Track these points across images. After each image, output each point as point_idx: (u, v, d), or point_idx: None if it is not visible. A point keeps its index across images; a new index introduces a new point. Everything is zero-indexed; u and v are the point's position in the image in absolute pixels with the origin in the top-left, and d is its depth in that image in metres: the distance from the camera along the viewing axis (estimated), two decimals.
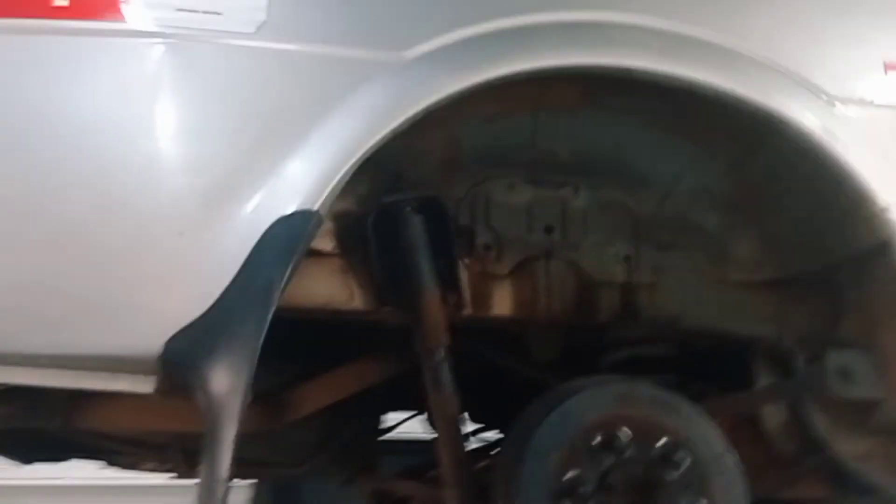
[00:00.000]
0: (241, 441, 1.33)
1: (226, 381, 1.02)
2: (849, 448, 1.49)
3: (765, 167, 1.45)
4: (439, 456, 1.34)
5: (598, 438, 1.17)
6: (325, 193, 1.10)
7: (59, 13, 1.11)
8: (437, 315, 1.37)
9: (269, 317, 1.04)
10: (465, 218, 1.52)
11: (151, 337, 1.05)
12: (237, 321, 1.03)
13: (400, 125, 1.13)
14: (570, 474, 1.14)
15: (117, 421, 1.47)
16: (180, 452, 1.65)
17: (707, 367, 1.63)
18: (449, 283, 1.45)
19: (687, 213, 1.58)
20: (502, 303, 1.52)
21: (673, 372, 1.54)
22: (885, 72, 1.30)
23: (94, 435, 1.62)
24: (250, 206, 1.08)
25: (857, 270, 1.44)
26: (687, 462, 1.18)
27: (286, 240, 1.07)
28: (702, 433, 1.21)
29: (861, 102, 1.28)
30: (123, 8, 1.11)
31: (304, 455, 1.76)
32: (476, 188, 1.54)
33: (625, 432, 1.17)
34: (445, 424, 1.34)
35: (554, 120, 1.47)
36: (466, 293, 1.49)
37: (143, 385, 1.10)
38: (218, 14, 1.13)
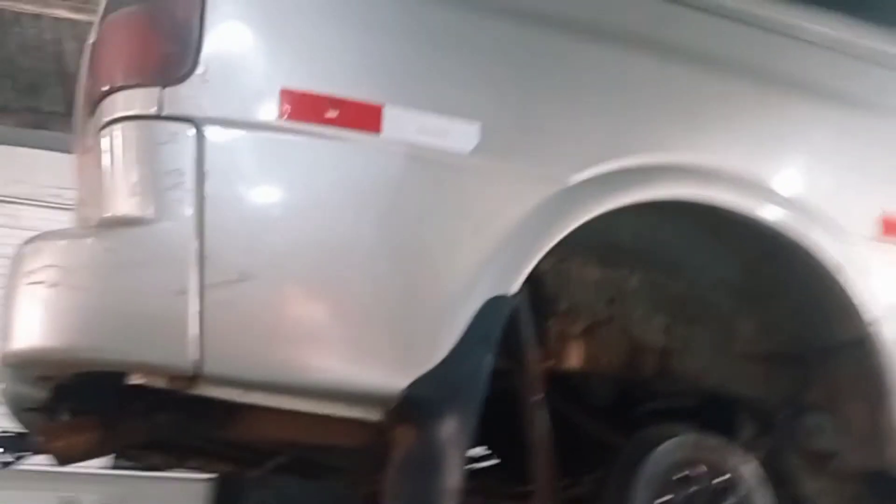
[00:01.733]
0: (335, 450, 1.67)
1: (456, 423, 1.38)
2: (811, 485, 2.01)
3: (775, 272, 1.94)
4: (535, 478, 1.73)
5: (684, 473, 1.62)
6: (520, 280, 1.48)
7: (331, 122, 1.43)
8: (537, 367, 1.76)
9: (488, 373, 1.41)
10: (550, 288, 1.93)
11: (395, 379, 1.39)
12: (468, 376, 1.40)
13: (569, 232, 1.53)
14: (665, 498, 1.58)
15: (263, 431, 1.76)
16: (290, 457, 1.96)
17: (704, 418, 2.11)
18: (539, 339, 1.85)
19: (708, 296, 2.05)
20: (575, 357, 1.94)
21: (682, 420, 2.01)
22: (880, 219, 1.82)
23: (221, 442, 1.90)
24: (468, 290, 1.44)
25: (828, 354, 1.96)
26: (741, 491, 1.65)
27: (494, 317, 1.44)
28: (748, 470, 1.69)
29: (861, 243, 1.79)
30: (382, 123, 1.45)
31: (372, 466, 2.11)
32: (559, 265, 1.94)
33: (701, 469, 1.62)
34: (543, 453, 1.72)
35: (621, 216, 1.91)
36: (551, 348, 1.90)
37: (372, 414, 1.43)
38: (446, 135, 1.49)
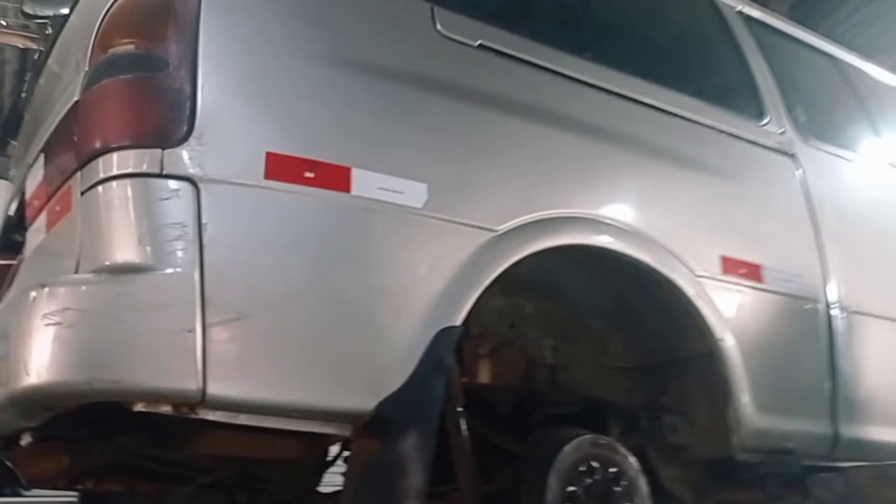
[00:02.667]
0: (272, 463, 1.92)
1: (416, 436, 1.67)
2: (666, 472, 2.46)
3: (641, 300, 2.37)
4: (457, 477, 2.05)
5: (583, 467, 1.99)
6: (464, 313, 1.79)
7: (308, 181, 1.68)
8: (458, 383, 2.09)
9: (443, 392, 1.71)
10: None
11: (365, 400, 1.66)
12: (426, 397, 1.69)
13: (501, 272, 1.86)
14: (570, 488, 1.95)
15: (214, 448, 1.95)
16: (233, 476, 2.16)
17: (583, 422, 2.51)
18: (457, 359, 2.17)
19: (586, 320, 2.46)
20: (484, 374, 2.28)
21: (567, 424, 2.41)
22: (721, 260, 2.30)
23: (168, 461, 2.06)
24: (423, 323, 1.73)
25: (681, 366, 2.42)
26: (625, 482, 2.05)
27: (445, 345, 1.74)
28: (630, 464, 2.09)
29: (709, 278, 2.25)
30: (351, 182, 1.72)
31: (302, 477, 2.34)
32: None
33: (595, 464, 2.01)
34: (462, 456, 2.03)
35: None
36: (465, 366, 2.22)
37: (344, 429, 1.69)
38: (401, 193, 1.78)
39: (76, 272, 1.59)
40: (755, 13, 3.11)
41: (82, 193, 1.63)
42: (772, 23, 3.18)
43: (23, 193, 2.14)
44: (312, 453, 2.10)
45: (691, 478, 2.48)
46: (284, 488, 2.38)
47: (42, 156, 1.95)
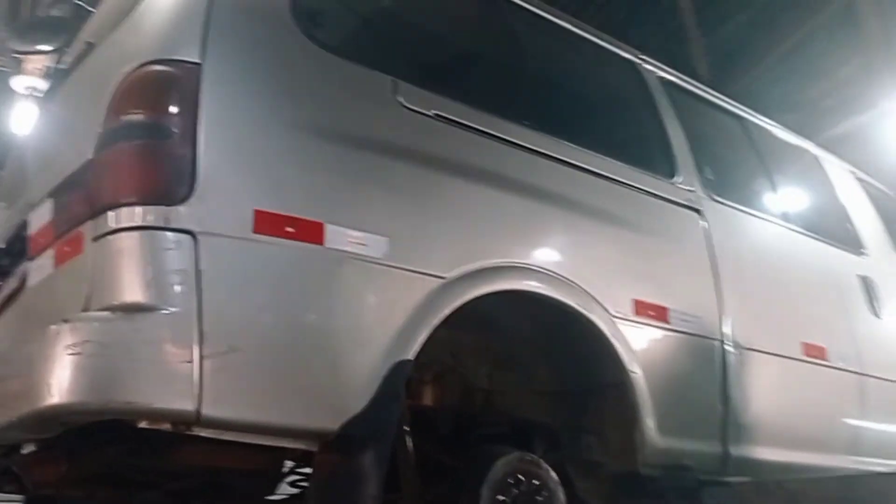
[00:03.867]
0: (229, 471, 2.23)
1: (373, 452, 1.98)
2: (582, 486, 2.83)
3: (565, 335, 2.74)
4: (403, 487, 2.37)
5: (511, 480, 2.34)
6: (416, 349, 2.12)
7: (289, 235, 1.99)
8: (405, 405, 2.41)
9: (397, 416, 2.04)
10: None
11: (332, 421, 1.97)
12: (382, 420, 2.01)
13: (450, 312, 2.20)
14: (500, 497, 2.30)
15: (196, 460, 2.23)
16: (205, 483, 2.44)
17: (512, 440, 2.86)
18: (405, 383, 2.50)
19: (516, 350, 2.82)
20: (428, 397, 2.62)
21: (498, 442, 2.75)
22: (634, 303, 2.68)
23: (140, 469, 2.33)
24: (381, 357, 2.04)
25: (598, 393, 2.80)
26: (546, 492, 2.41)
27: (399, 375, 2.07)
28: (551, 477, 2.45)
29: (621, 318, 2.63)
30: (324, 236, 2.03)
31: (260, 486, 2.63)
32: None
33: (522, 478, 2.36)
34: (408, 468, 2.35)
35: None
36: (412, 390, 2.55)
37: (311, 445, 2.00)
38: (365, 245, 2.10)
39: (85, 308, 1.86)
40: (673, 79, 3.54)
41: (94, 239, 1.90)
42: (687, 87, 3.62)
43: (21, 228, 2.38)
44: (272, 465, 2.41)
45: (603, 490, 2.85)
46: (243, 495, 2.66)
47: (50, 199, 2.20)
